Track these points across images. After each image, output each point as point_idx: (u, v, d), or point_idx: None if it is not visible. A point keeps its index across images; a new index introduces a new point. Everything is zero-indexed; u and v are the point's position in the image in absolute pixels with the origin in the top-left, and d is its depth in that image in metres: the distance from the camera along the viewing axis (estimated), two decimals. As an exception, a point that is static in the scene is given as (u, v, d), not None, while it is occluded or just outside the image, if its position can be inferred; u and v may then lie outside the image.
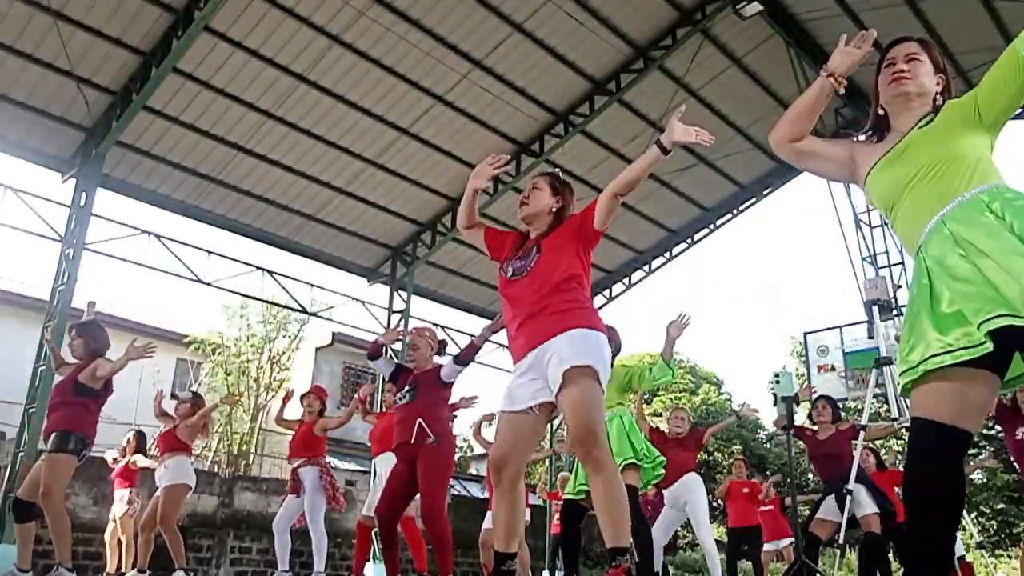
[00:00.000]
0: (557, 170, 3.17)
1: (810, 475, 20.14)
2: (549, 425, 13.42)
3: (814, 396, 6.40)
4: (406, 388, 4.49)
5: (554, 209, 2.92)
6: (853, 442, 5.61)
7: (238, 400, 6.25)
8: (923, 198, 1.92)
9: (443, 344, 4.77)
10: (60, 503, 4.56)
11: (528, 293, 2.73)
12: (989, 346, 1.66)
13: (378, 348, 4.74)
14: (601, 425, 2.57)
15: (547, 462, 14.22)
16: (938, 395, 1.77)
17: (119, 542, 7.38)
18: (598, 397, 2.55)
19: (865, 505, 5.39)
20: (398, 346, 12.00)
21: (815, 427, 6.06)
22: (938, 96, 2.09)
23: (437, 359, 4.62)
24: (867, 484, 5.48)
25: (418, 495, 4.34)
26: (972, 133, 1.93)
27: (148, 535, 5.85)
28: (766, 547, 8.80)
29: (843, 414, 6.36)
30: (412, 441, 4.24)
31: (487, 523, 6.59)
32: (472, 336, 5.20)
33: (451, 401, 4.93)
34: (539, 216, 2.92)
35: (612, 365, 4.64)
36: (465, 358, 4.51)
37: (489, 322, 4.46)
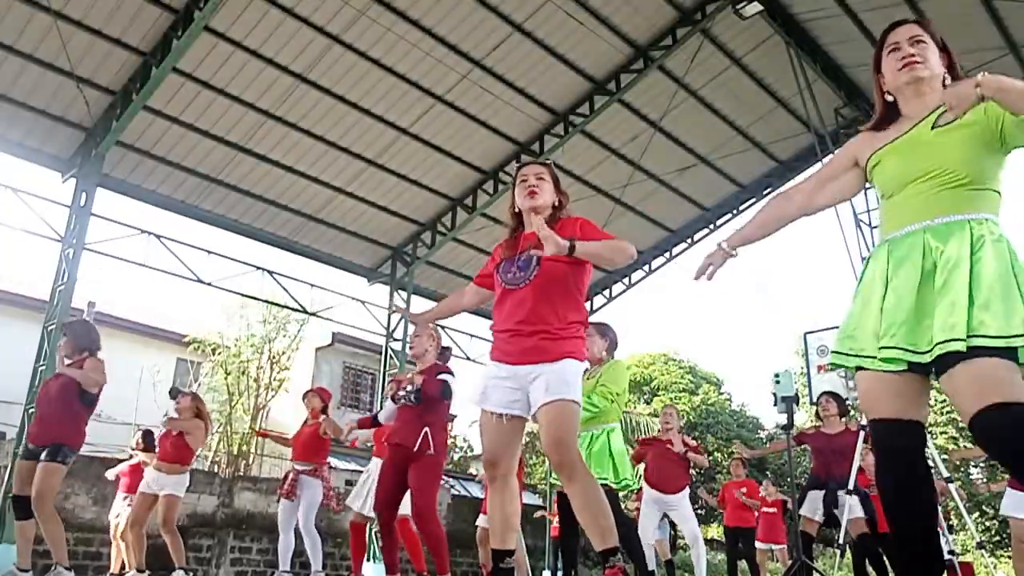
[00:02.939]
0: (551, 161, 3.14)
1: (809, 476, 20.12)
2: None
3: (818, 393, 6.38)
4: (410, 388, 4.46)
5: (555, 204, 2.90)
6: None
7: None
8: (919, 200, 1.92)
9: (447, 351, 4.73)
10: (51, 508, 4.68)
11: (524, 307, 2.71)
12: (903, 364, 1.81)
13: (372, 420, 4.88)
14: (574, 436, 2.64)
15: (547, 463, 14.22)
16: (879, 394, 1.88)
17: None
18: (575, 417, 2.64)
19: (854, 510, 5.40)
20: (397, 346, 12.02)
21: (819, 423, 6.04)
22: (946, 76, 2.05)
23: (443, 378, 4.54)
24: (859, 495, 5.49)
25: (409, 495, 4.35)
26: (989, 150, 1.89)
27: (138, 532, 5.87)
28: (758, 546, 8.83)
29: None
30: (416, 448, 4.22)
31: (481, 521, 6.61)
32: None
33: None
34: (544, 209, 2.88)
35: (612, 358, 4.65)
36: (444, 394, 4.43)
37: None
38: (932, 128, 1.95)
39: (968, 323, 1.69)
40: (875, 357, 1.85)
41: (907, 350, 1.77)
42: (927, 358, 1.75)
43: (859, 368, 1.90)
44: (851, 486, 5.30)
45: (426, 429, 4.24)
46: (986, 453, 1.90)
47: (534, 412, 2.65)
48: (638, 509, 7.18)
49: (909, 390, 1.85)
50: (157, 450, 6.19)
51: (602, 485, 4.04)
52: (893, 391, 1.85)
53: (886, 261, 1.92)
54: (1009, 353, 1.69)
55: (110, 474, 7.55)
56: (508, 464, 2.73)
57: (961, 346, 1.68)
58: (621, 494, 4.52)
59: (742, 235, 2.28)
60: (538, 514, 11.78)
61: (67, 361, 4.92)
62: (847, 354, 1.93)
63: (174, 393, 6.18)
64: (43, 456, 4.64)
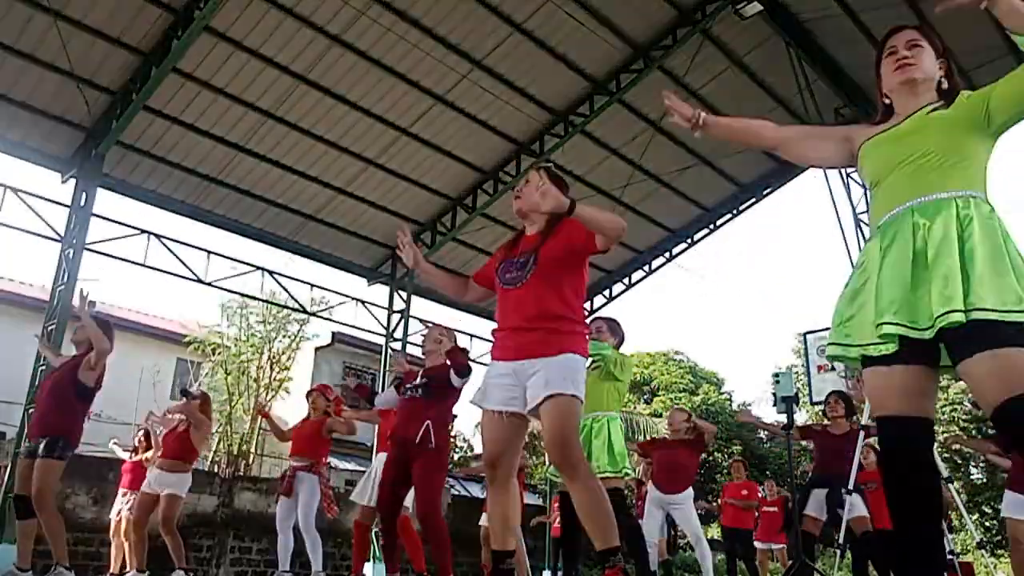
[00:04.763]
0: (551, 163, 3.15)
1: (810, 474, 20.11)
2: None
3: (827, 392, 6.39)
4: (418, 381, 4.46)
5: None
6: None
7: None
8: (905, 181, 1.94)
9: (464, 351, 4.69)
10: (52, 505, 4.64)
11: (522, 306, 2.72)
12: (893, 347, 1.78)
13: (370, 392, 4.89)
14: (576, 435, 2.62)
15: (548, 464, 14.21)
16: (886, 390, 1.85)
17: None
18: (576, 412, 2.62)
19: (857, 508, 5.40)
20: (397, 345, 12.01)
21: (827, 423, 6.04)
22: (942, 80, 2.09)
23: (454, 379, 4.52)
24: (860, 493, 5.49)
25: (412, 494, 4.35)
26: (975, 134, 1.93)
27: (141, 534, 5.87)
28: (758, 545, 8.80)
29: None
30: (417, 441, 4.23)
31: (484, 521, 6.60)
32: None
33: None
34: (534, 210, 2.86)
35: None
36: (463, 371, 4.40)
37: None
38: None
39: (966, 298, 1.68)
40: (875, 344, 1.81)
41: (906, 326, 1.75)
42: (928, 334, 1.73)
43: (865, 359, 1.86)
44: (851, 486, 5.30)
45: (428, 422, 4.24)
46: (1012, 445, 1.88)
47: (531, 408, 2.62)
48: (639, 507, 7.20)
49: (916, 385, 1.84)
50: (163, 442, 6.16)
51: (606, 479, 4.08)
52: (900, 386, 1.84)
53: (878, 247, 1.92)
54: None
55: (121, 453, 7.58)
56: (508, 465, 2.72)
57: (961, 317, 1.67)
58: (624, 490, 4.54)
59: (718, 120, 2.39)
60: (535, 521, 11.46)
61: (80, 348, 4.84)
62: (846, 344, 1.89)
63: (184, 393, 6.16)
64: (40, 452, 4.59)
